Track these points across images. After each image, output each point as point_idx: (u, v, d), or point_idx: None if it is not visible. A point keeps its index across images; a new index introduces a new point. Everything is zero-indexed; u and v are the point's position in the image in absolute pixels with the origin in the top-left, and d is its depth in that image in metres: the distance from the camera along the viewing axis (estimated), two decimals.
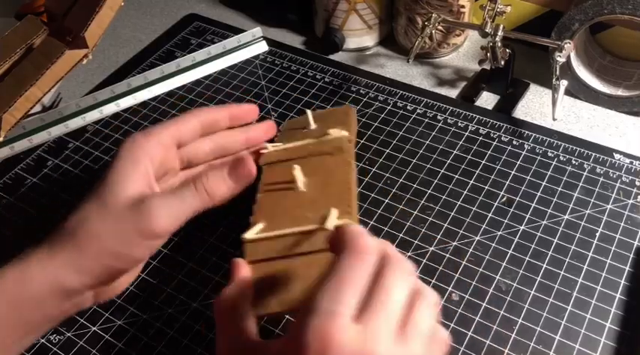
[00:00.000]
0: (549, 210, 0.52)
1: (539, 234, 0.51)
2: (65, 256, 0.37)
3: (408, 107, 0.63)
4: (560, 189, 0.54)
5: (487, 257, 0.50)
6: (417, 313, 0.32)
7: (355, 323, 0.30)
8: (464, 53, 0.70)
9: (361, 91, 0.65)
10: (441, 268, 0.49)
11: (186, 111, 0.47)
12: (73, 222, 0.38)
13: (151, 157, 0.41)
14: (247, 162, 0.40)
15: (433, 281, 0.48)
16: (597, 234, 0.51)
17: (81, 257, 0.37)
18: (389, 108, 0.63)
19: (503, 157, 0.57)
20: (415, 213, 0.53)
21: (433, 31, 0.64)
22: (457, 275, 0.49)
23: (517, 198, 0.54)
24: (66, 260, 0.37)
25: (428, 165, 0.57)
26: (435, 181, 0.56)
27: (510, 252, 0.50)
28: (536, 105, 0.63)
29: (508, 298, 0.47)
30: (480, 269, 0.49)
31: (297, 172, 0.44)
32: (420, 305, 0.32)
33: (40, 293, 0.37)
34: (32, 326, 0.38)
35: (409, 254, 0.50)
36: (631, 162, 0.55)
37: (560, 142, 0.58)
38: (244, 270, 0.39)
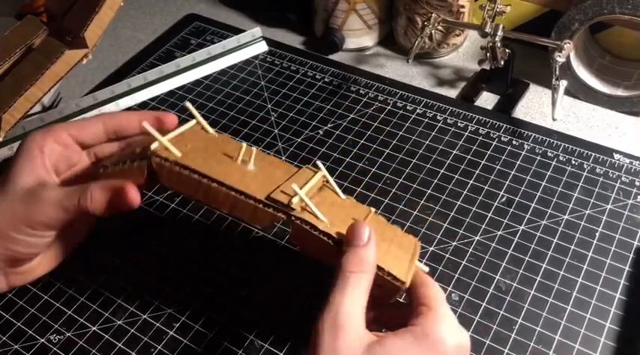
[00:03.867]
0: (549, 210, 0.52)
1: (538, 234, 0.51)
2: None
3: (408, 107, 0.63)
4: (559, 189, 0.54)
5: (487, 257, 0.50)
6: None
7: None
8: (463, 53, 0.70)
9: (361, 91, 0.65)
10: (440, 268, 0.49)
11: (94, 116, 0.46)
12: None
13: (45, 152, 0.42)
14: (130, 198, 0.40)
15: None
16: (597, 234, 0.51)
17: None
18: (389, 108, 0.63)
19: (503, 157, 0.57)
20: (415, 213, 0.53)
21: (433, 31, 0.64)
22: (457, 275, 0.49)
23: (517, 198, 0.54)
24: None
25: (428, 165, 0.57)
26: (435, 181, 0.56)
27: (510, 251, 0.50)
28: (535, 105, 0.63)
29: (508, 298, 0.47)
30: (480, 269, 0.49)
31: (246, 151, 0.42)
32: None
33: None
34: None
35: None
36: (631, 162, 0.56)
37: (559, 142, 0.58)
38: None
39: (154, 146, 0.40)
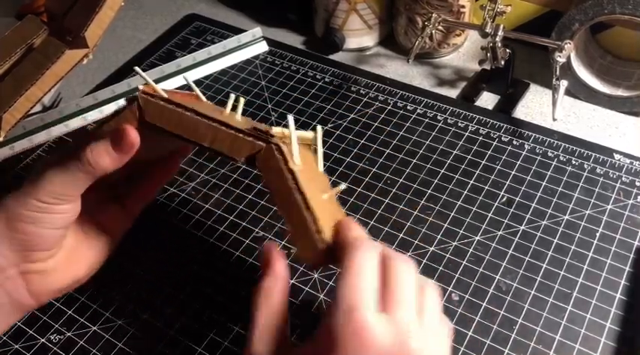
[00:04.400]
0: (549, 211, 0.52)
1: (539, 234, 0.51)
2: None
3: (408, 107, 0.63)
4: (560, 189, 0.54)
5: (487, 257, 0.50)
6: (428, 299, 0.34)
7: (380, 313, 0.32)
8: (464, 53, 0.70)
9: (361, 91, 0.65)
10: (441, 268, 0.49)
11: None
12: None
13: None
14: (129, 134, 0.41)
15: (433, 281, 0.48)
16: (597, 234, 0.51)
17: None
18: (389, 108, 0.63)
19: (504, 157, 0.57)
20: (415, 213, 0.53)
21: (433, 31, 0.64)
22: (457, 275, 0.49)
23: (517, 198, 0.54)
24: None
25: (428, 166, 0.57)
26: (435, 181, 0.56)
27: (510, 252, 0.50)
28: (536, 106, 0.63)
29: (508, 298, 0.47)
30: (480, 270, 0.49)
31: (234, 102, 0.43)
32: (427, 292, 0.35)
33: None
34: None
35: (409, 254, 0.50)
36: (631, 163, 0.55)
37: (560, 142, 0.58)
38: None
39: (141, 86, 0.41)
